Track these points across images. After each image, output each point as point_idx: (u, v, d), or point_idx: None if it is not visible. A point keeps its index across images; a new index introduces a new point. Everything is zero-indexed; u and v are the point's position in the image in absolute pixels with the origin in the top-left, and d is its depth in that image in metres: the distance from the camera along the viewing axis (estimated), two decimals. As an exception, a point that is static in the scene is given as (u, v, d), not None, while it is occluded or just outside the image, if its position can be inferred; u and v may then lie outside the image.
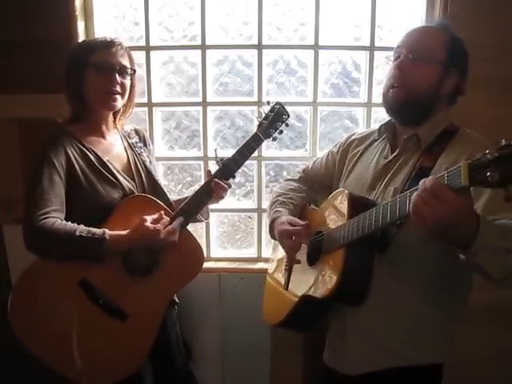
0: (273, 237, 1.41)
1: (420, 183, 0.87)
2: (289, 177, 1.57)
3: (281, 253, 1.48)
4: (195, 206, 1.40)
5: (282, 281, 1.42)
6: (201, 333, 1.85)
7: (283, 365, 1.87)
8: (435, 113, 1.19)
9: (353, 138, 1.41)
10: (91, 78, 1.34)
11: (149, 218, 1.31)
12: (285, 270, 1.42)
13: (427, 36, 1.19)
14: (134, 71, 1.41)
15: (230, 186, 1.44)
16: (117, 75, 1.35)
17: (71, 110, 1.40)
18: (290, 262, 1.37)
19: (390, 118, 1.28)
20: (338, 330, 1.27)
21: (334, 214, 1.24)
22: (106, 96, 1.35)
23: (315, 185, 1.50)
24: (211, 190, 1.40)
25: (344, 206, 1.18)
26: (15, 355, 1.35)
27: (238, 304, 1.82)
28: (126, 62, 1.37)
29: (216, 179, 1.40)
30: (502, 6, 1.61)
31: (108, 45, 1.35)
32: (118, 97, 1.37)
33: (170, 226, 1.32)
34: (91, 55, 1.33)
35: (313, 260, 1.27)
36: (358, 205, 1.16)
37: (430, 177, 0.86)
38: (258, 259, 1.91)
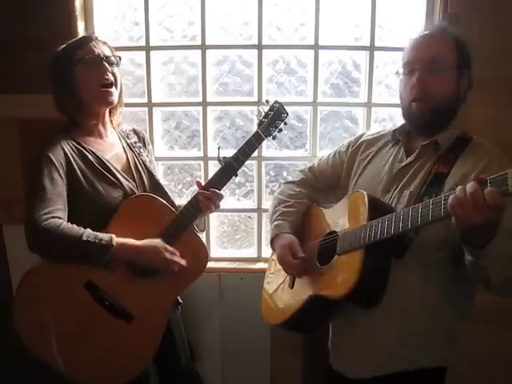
0: (273, 249, 1.42)
1: (458, 189, 0.89)
2: (289, 179, 1.55)
3: None
4: (185, 219, 1.38)
5: (285, 279, 1.41)
6: (201, 333, 1.85)
7: (283, 364, 1.87)
8: (456, 118, 1.21)
9: (362, 139, 1.40)
10: (82, 75, 1.34)
11: (162, 243, 1.33)
12: None
13: (436, 44, 1.19)
14: (120, 58, 1.42)
15: (220, 196, 1.40)
16: (106, 64, 1.35)
17: (67, 117, 1.39)
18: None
19: (403, 123, 1.28)
20: (344, 333, 1.26)
21: (351, 215, 1.22)
22: (101, 91, 1.35)
23: (318, 184, 1.49)
24: (198, 201, 1.38)
25: (363, 209, 1.16)
26: (15, 355, 1.35)
27: (238, 304, 1.82)
28: (108, 52, 1.39)
29: (201, 190, 1.38)
30: (502, 6, 1.61)
31: (86, 40, 1.37)
32: (113, 89, 1.37)
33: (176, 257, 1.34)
34: (75, 53, 1.34)
35: (325, 260, 1.26)
36: (377, 208, 1.15)
37: (472, 183, 0.87)
38: (258, 259, 1.91)
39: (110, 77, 1.36)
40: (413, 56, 1.19)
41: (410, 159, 1.22)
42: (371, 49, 1.75)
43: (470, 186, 0.87)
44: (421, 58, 1.17)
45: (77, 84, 1.35)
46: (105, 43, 1.40)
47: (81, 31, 1.69)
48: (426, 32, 1.22)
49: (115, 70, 1.39)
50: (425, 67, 1.16)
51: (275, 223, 1.41)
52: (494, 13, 1.60)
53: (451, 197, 0.89)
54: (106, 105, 1.40)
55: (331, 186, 1.45)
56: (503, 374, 1.82)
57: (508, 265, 0.98)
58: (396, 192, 1.20)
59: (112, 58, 1.38)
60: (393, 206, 1.18)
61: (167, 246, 1.34)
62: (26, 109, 1.68)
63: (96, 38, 1.38)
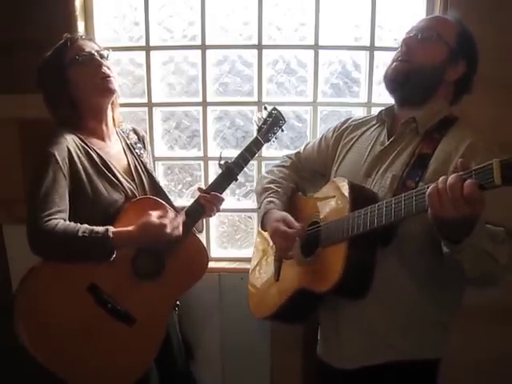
0: (263, 228, 1.36)
1: (440, 179, 0.85)
2: (280, 162, 1.51)
3: (263, 241, 1.47)
4: (187, 223, 1.38)
5: (270, 271, 1.39)
6: (201, 332, 1.85)
7: (283, 364, 1.87)
8: (436, 98, 1.18)
9: (348, 123, 1.38)
10: (77, 74, 1.32)
11: (154, 213, 1.30)
12: (274, 260, 1.38)
13: (439, 20, 1.21)
14: (109, 50, 1.40)
15: (221, 200, 1.43)
16: (99, 58, 1.34)
17: (68, 125, 1.37)
18: (282, 258, 1.34)
19: (390, 105, 1.27)
20: (332, 323, 1.25)
21: (333, 204, 1.19)
22: (101, 81, 1.33)
23: (305, 172, 1.47)
24: (201, 205, 1.40)
25: (344, 197, 1.13)
26: (16, 355, 1.35)
27: (238, 304, 1.81)
28: (97, 47, 1.37)
29: (202, 194, 1.40)
30: (502, 5, 1.61)
31: (72, 40, 1.35)
32: (112, 78, 1.35)
33: (175, 220, 1.32)
34: (64, 55, 1.32)
35: (308, 251, 1.23)
36: (359, 195, 1.12)
37: (454, 174, 0.82)
38: (258, 259, 1.91)
39: (106, 70, 1.34)
40: (414, 25, 1.21)
41: (390, 140, 1.20)
42: (371, 49, 1.75)
43: (452, 177, 0.82)
44: (418, 26, 1.19)
45: (73, 85, 1.33)
46: (90, 39, 1.39)
47: (81, 31, 1.68)
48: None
49: (108, 64, 1.37)
50: (418, 33, 1.17)
51: (268, 199, 1.36)
52: (493, 13, 1.60)
53: (431, 185, 0.86)
54: (107, 93, 1.35)
55: (317, 172, 1.43)
56: (503, 374, 1.82)
57: (484, 261, 0.96)
58: (378, 175, 1.18)
59: (102, 52, 1.37)
60: (375, 190, 1.15)
61: (153, 214, 1.29)
62: (26, 109, 1.68)
63: (81, 37, 1.37)
